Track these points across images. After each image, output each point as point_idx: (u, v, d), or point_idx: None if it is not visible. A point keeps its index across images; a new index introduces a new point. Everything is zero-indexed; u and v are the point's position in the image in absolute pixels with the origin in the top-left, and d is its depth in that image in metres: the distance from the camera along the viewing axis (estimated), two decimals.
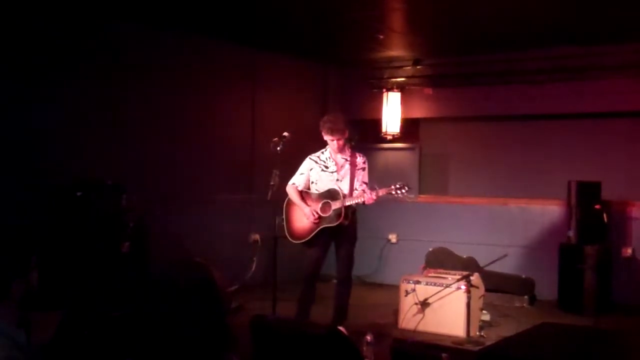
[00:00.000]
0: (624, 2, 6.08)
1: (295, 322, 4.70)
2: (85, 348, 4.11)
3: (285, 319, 4.67)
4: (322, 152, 5.89)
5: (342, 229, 5.70)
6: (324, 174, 5.81)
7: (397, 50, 8.33)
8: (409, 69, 8.76)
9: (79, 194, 5.91)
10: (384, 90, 8.82)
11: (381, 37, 7.55)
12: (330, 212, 5.67)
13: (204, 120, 7.77)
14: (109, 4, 6.39)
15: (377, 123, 8.87)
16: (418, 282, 6.27)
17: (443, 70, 8.64)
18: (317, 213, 5.69)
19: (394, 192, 5.60)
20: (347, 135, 5.77)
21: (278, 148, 5.72)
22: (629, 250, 7.49)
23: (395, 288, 6.51)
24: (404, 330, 6.18)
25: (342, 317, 5.86)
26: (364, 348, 3.61)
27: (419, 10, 6.61)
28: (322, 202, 5.72)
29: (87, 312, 5.25)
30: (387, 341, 3.59)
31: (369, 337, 3.68)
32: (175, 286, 2.30)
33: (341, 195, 5.63)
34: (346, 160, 5.82)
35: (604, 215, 7.19)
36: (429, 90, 8.80)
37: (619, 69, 7.45)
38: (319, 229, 5.69)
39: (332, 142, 5.73)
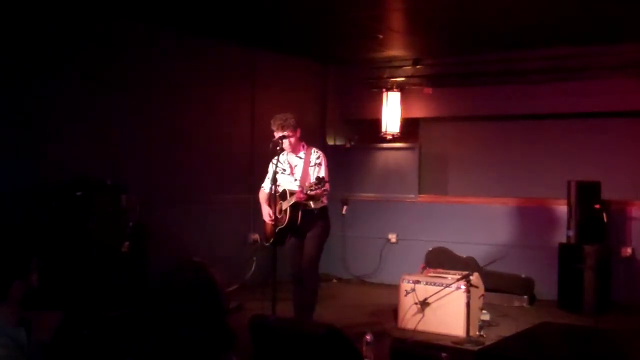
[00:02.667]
0: (623, 2, 6.08)
1: (295, 322, 4.70)
2: (85, 348, 4.12)
3: (285, 319, 4.67)
4: (282, 155, 5.87)
5: (301, 227, 5.70)
6: (283, 176, 5.83)
7: (396, 50, 8.34)
8: (408, 69, 8.76)
9: (79, 194, 5.90)
10: (384, 90, 8.82)
11: (381, 37, 7.55)
12: (281, 213, 5.72)
13: (204, 120, 7.77)
14: (108, 3, 6.39)
15: (377, 123, 8.87)
16: (418, 282, 6.27)
17: (443, 70, 8.64)
18: (271, 215, 5.72)
19: (313, 189, 5.47)
20: (298, 133, 5.74)
21: (278, 148, 5.72)
22: (629, 250, 7.48)
23: (395, 288, 6.51)
24: (403, 330, 6.17)
25: (305, 316, 5.70)
26: (364, 348, 3.61)
27: (419, 10, 6.61)
28: (278, 203, 5.75)
29: (87, 312, 5.25)
30: (387, 341, 3.60)
31: (369, 337, 3.68)
32: (175, 286, 2.30)
33: (288, 195, 5.69)
34: (300, 159, 5.82)
35: (604, 215, 7.19)
36: (428, 90, 8.80)
37: (619, 69, 7.45)
38: (276, 230, 5.69)
39: (284, 140, 5.69)
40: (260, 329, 3.27)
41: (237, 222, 8.08)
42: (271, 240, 5.77)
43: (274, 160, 5.76)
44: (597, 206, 7.20)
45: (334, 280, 8.67)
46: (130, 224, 6.13)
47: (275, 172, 5.67)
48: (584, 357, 3.48)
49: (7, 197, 5.76)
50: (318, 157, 5.78)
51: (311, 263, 5.77)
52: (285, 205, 5.69)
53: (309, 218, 5.71)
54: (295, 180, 5.76)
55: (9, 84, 5.88)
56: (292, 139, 5.71)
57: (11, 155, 5.85)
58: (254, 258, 8.01)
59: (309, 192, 5.50)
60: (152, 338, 2.22)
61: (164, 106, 7.25)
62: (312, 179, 5.62)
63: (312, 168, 5.74)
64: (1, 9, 5.77)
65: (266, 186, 5.97)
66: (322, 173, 5.68)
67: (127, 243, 5.99)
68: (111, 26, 6.69)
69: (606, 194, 7.30)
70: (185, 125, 7.51)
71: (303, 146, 5.86)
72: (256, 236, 8.12)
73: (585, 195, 7.26)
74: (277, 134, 5.70)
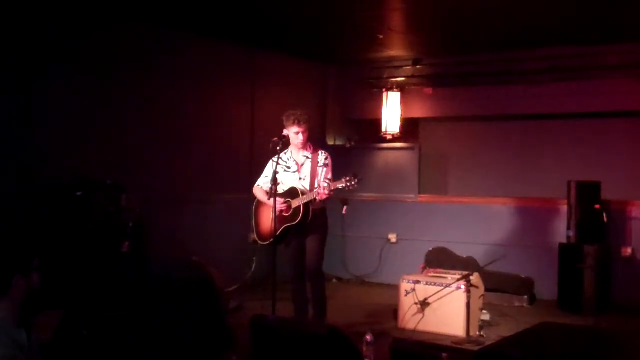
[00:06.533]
0: (624, 2, 6.08)
1: (295, 322, 4.71)
2: (85, 348, 4.11)
3: (285, 319, 4.67)
4: (285, 153, 5.86)
5: (307, 226, 5.69)
6: (287, 174, 5.82)
7: (396, 50, 8.34)
8: (408, 69, 8.76)
9: (79, 194, 5.90)
10: (384, 90, 8.82)
11: (381, 37, 7.56)
12: (291, 211, 5.69)
13: (204, 120, 7.77)
14: (108, 3, 6.39)
15: (377, 123, 8.87)
16: (418, 282, 6.27)
17: (443, 70, 8.64)
18: (281, 208, 5.66)
19: (344, 185, 5.45)
20: (307, 131, 5.77)
21: (278, 148, 5.71)
22: (629, 250, 7.48)
23: (395, 288, 6.51)
24: (404, 330, 6.18)
25: (322, 311, 5.81)
26: (364, 348, 3.62)
27: (419, 10, 6.62)
28: (285, 201, 5.72)
29: (87, 312, 5.25)
30: (387, 341, 3.59)
31: (369, 337, 3.69)
32: (174, 286, 2.30)
33: (300, 193, 5.65)
34: (307, 158, 5.82)
35: (604, 215, 7.19)
36: (428, 90, 8.80)
37: (619, 69, 7.45)
38: (282, 228, 5.68)
39: (297, 136, 5.69)
40: (261, 329, 3.27)
41: (237, 222, 8.06)
42: (272, 240, 5.69)
43: (275, 159, 5.74)
44: (597, 206, 7.20)
45: (334, 280, 8.66)
46: (130, 223, 6.13)
47: (275, 172, 5.65)
48: (584, 357, 3.47)
49: (7, 197, 5.76)
50: (326, 158, 5.80)
51: (319, 262, 5.82)
52: (298, 203, 5.64)
53: (314, 217, 5.71)
54: (302, 179, 5.76)
55: (9, 84, 5.87)
56: (306, 134, 5.72)
57: (11, 155, 5.85)
58: (254, 258, 8.01)
59: (331, 189, 5.50)
60: (152, 338, 2.22)
61: (163, 106, 7.25)
62: (321, 179, 5.66)
63: (321, 168, 5.76)
64: (2, 9, 5.77)
65: (261, 184, 5.92)
66: (330, 174, 5.72)
67: (127, 243, 5.99)
68: (111, 26, 6.69)
69: (606, 194, 7.30)
70: (185, 125, 7.51)
71: (310, 146, 5.87)
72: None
73: (585, 195, 7.26)
74: (290, 129, 5.68)
